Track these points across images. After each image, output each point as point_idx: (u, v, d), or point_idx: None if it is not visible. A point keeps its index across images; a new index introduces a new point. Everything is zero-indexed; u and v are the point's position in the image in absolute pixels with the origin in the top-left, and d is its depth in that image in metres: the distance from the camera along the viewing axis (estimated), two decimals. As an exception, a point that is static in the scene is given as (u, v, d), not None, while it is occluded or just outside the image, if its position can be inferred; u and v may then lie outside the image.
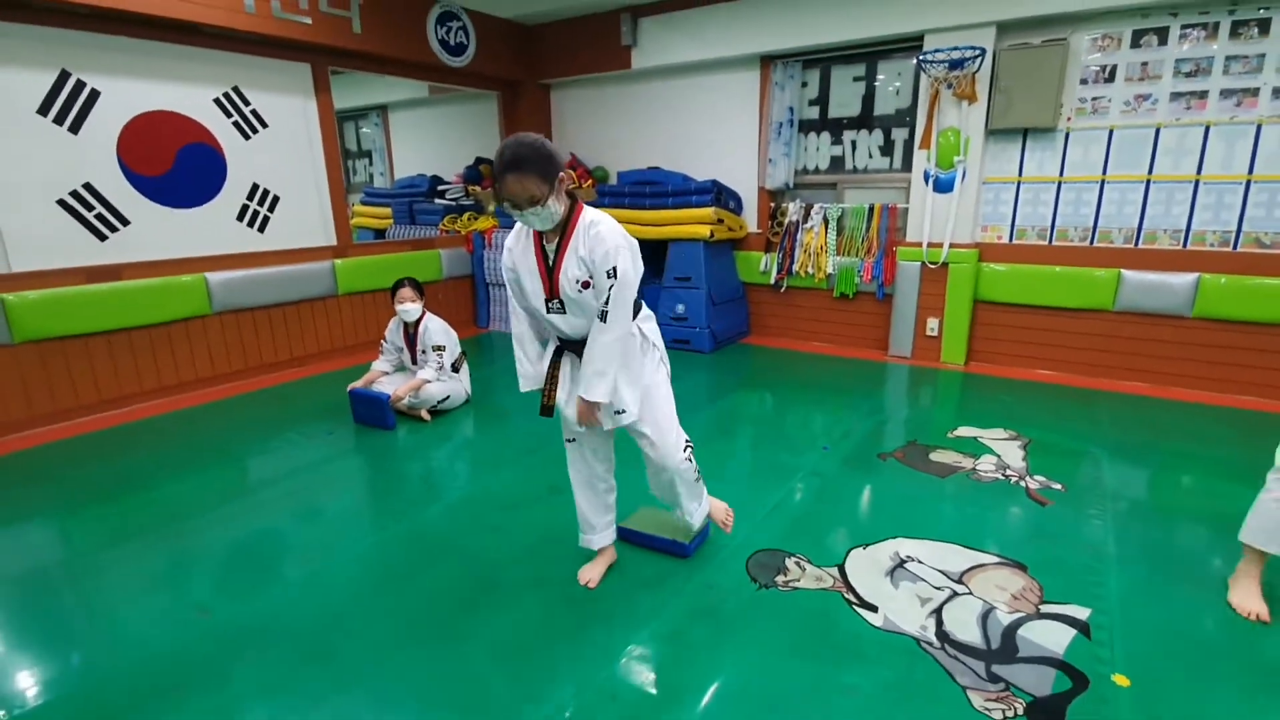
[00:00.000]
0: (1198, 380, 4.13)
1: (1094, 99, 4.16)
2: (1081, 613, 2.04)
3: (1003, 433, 3.50)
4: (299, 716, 1.67)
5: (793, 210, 5.33)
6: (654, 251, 5.59)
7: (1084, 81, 4.17)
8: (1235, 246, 3.96)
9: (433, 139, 7.53)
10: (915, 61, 4.55)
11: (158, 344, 4.12)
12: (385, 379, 3.92)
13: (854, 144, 5.17)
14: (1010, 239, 4.59)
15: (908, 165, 4.89)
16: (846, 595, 2.14)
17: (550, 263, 1.87)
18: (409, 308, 3.79)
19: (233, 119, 4.36)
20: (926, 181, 4.63)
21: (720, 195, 5.26)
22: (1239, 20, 3.74)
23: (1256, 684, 1.75)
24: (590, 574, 2.21)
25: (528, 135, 1.76)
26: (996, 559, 2.34)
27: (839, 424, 3.70)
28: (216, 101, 4.28)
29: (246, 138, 4.44)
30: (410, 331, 3.90)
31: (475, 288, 6.13)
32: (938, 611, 2.05)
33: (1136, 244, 4.21)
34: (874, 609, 2.07)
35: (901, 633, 1.96)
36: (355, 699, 1.73)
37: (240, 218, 4.47)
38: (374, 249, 5.51)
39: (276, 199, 4.64)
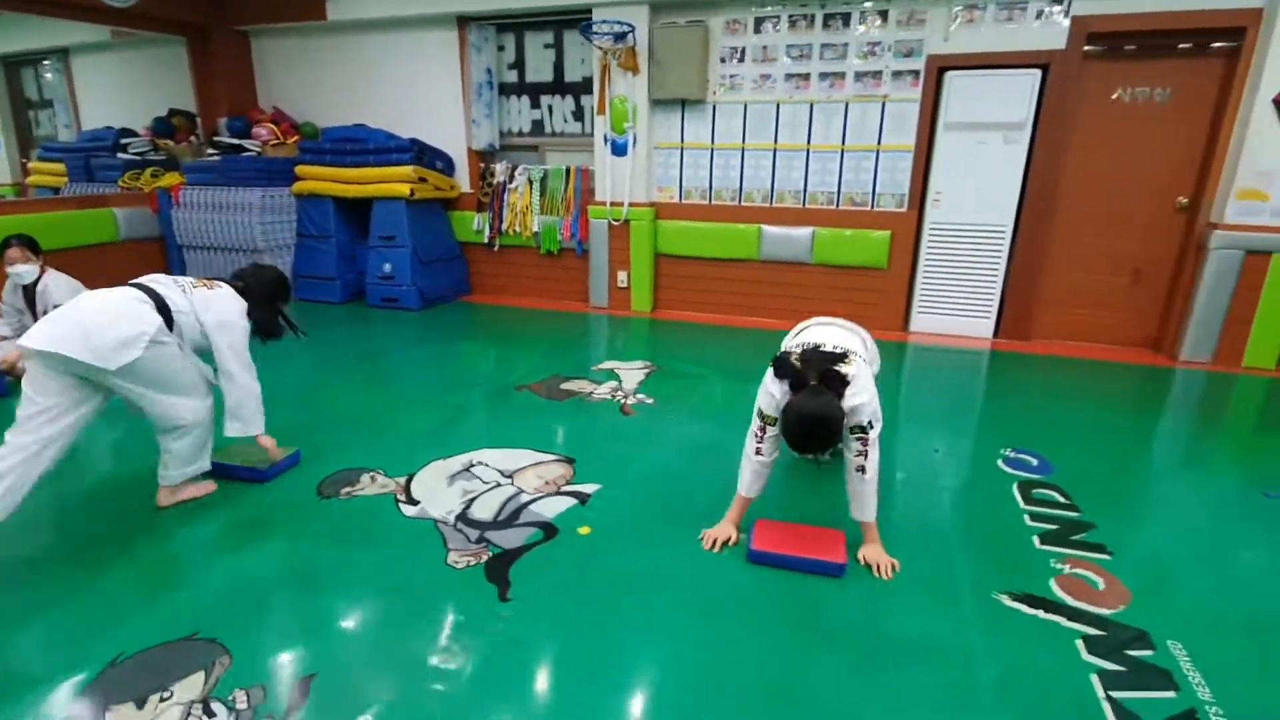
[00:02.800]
0: (818, 315, 4.97)
1: (731, 76, 4.80)
2: (591, 488, 2.46)
3: (640, 364, 4.00)
4: None
5: (500, 171, 5.54)
6: (360, 210, 5.52)
7: (723, 60, 4.79)
8: (837, 205, 4.81)
9: (124, 88, 6.70)
10: (581, 32, 4.86)
11: None
12: (5, 343, 3.54)
13: (551, 108, 5.48)
14: (680, 199, 5.17)
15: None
16: (399, 496, 2.38)
17: None
18: (20, 270, 3.44)
19: None
20: (606, 145, 5.05)
21: (423, 154, 5.31)
22: (829, 13, 4.51)
23: (688, 535, 2.22)
24: None
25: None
26: (555, 457, 2.71)
27: (507, 365, 3.99)
28: None
29: None
30: (30, 293, 3.55)
31: (166, 250, 5.64)
32: (470, 500, 2.35)
33: (771, 203, 4.96)
34: (416, 503, 2.33)
35: (428, 518, 2.24)
36: None
37: None
38: (21, 208, 4.86)
39: None
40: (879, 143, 4.61)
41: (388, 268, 5.29)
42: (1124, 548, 2.17)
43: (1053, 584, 1.98)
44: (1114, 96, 4.19)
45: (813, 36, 4.57)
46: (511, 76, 5.48)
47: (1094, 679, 1.62)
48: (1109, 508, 2.43)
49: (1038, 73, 4.15)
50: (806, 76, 4.64)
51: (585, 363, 4.08)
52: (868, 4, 4.39)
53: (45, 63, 6.96)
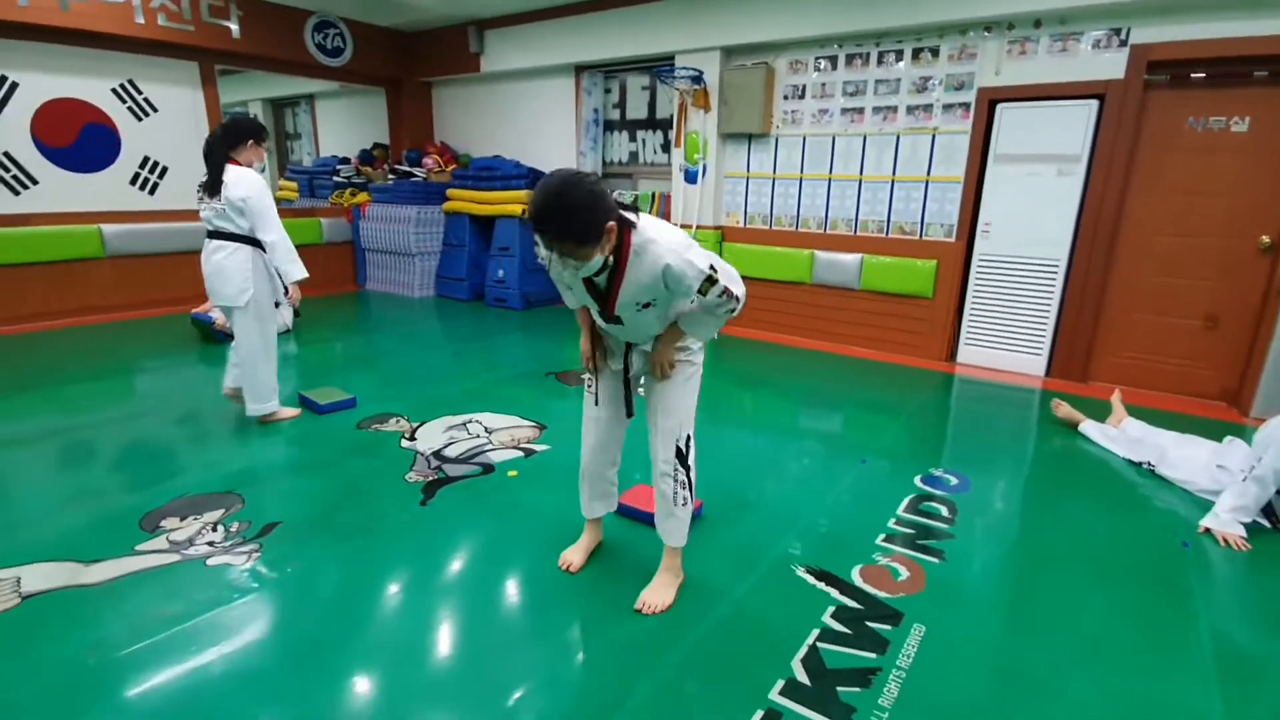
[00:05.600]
0: (862, 339, 5.14)
1: (792, 112, 5.17)
2: (542, 448, 3.13)
3: (663, 366, 4.55)
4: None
5: (601, 195, 6.40)
6: (488, 226, 6.70)
7: (785, 97, 5.18)
8: (887, 233, 4.95)
9: (350, 125, 8.72)
10: (657, 76, 5.52)
11: (58, 277, 5.35)
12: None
13: (644, 142, 6.23)
14: (744, 223, 5.62)
15: (680, 161, 5.93)
16: (405, 435, 3.26)
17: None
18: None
19: (127, 105, 5.57)
20: (680, 173, 5.67)
21: (536, 181, 6.34)
22: (883, 50, 4.72)
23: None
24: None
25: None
26: (531, 424, 3.43)
27: (554, 356, 4.79)
28: (114, 90, 5.49)
29: (139, 119, 5.65)
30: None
31: (355, 252, 7.30)
32: (449, 444, 3.15)
33: (825, 229, 5.22)
34: (414, 440, 3.18)
35: (414, 450, 3.07)
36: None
37: (133, 183, 5.69)
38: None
39: (166, 169, 5.84)
40: (929, 174, 4.70)
41: (501, 273, 6.40)
42: (958, 556, 2.35)
43: (855, 568, 2.27)
44: (1186, 125, 3.92)
45: (867, 73, 4.81)
46: (615, 114, 6.33)
47: (814, 633, 1.95)
48: (985, 528, 2.56)
49: (1094, 103, 4.03)
50: (861, 111, 4.88)
51: (620, 361, 4.73)
52: (920, 41, 4.55)
53: (298, 105, 9.26)
